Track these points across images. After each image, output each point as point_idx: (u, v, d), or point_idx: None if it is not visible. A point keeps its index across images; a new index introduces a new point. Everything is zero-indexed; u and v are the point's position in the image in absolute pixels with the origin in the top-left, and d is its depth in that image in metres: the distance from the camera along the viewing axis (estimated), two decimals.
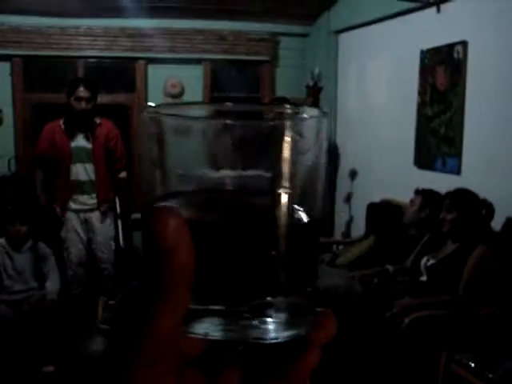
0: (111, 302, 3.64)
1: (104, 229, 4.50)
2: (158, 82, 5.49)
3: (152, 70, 5.47)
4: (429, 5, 3.84)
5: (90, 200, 4.43)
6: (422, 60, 4.00)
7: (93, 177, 4.38)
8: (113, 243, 4.55)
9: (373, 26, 4.67)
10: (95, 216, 4.48)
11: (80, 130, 4.31)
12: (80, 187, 4.37)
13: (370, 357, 3.00)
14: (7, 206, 4.69)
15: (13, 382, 3.57)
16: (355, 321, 3.13)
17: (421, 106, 4.06)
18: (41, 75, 5.39)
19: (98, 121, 4.36)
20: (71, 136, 4.30)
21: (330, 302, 2.29)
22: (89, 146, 4.35)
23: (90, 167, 4.37)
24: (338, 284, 3.46)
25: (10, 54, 5.10)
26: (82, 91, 4.17)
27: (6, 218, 4.44)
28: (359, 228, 4.76)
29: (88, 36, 5.20)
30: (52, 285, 4.28)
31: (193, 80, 5.57)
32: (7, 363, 3.78)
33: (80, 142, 4.33)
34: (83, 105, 4.18)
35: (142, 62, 5.42)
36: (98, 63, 5.40)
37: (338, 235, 5.33)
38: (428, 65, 3.93)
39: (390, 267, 3.42)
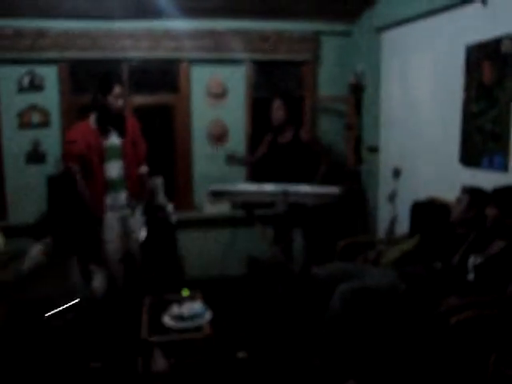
0: (156, 300, 3.69)
1: (136, 223, 4.58)
2: (201, 82, 5.54)
3: (195, 70, 5.51)
4: None
5: (123, 197, 4.48)
6: (467, 55, 3.92)
7: (123, 173, 4.43)
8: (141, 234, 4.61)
9: (416, 23, 4.61)
10: (129, 212, 4.55)
11: (113, 128, 4.38)
12: (113, 185, 4.43)
13: (416, 357, 2.95)
14: (56, 206, 4.80)
15: (62, 377, 3.64)
16: (401, 320, 3.10)
17: (466, 103, 3.98)
18: (86, 78, 5.48)
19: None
20: (106, 135, 4.36)
21: (374, 301, 2.28)
22: (119, 142, 4.40)
23: (120, 164, 4.42)
24: (382, 283, 3.42)
25: (57, 57, 5.21)
26: (119, 88, 4.29)
27: (54, 217, 4.55)
28: (403, 227, 4.70)
29: (132, 38, 5.27)
30: (98, 283, 4.36)
31: (235, 80, 5.59)
32: (56, 360, 3.86)
33: (113, 139, 4.40)
34: (121, 102, 4.30)
35: (185, 62, 5.47)
36: (142, 65, 5.46)
37: (381, 234, 5.28)
38: (474, 60, 3.85)
39: (436, 264, 3.36)
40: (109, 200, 4.44)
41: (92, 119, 4.38)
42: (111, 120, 4.36)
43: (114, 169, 4.41)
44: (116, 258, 4.54)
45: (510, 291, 2.93)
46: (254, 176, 5.65)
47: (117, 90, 4.28)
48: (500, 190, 3.17)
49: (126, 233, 4.58)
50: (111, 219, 4.48)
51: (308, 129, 5.31)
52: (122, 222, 4.54)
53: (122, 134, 4.41)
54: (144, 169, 4.61)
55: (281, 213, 4.89)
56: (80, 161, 4.30)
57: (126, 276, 4.62)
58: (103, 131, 4.35)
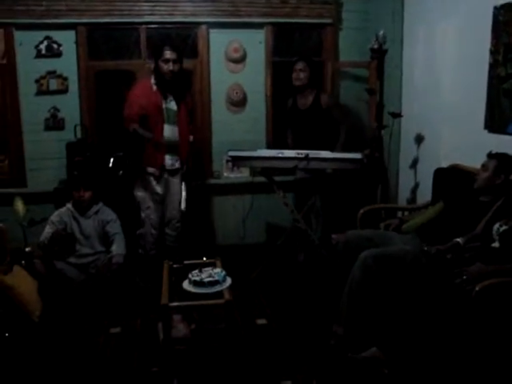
0: (175, 266, 3.68)
1: (179, 189, 4.62)
2: (220, 46, 5.46)
3: (214, 34, 5.43)
4: None
5: (173, 161, 4.62)
6: (495, 17, 3.79)
7: (177, 138, 4.56)
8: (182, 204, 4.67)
9: None
10: (174, 177, 4.67)
11: (171, 92, 4.51)
12: (170, 147, 4.55)
13: (439, 325, 2.92)
14: (74, 172, 4.80)
15: (82, 341, 3.67)
16: (424, 287, 3.05)
17: (493, 67, 3.86)
18: (103, 43, 5.44)
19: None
20: (165, 97, 4.50)
21: (396, 268, 2.21)
22: (175, 107, 4.54)
23: (175, 129, 4.55)
24: (406, 250, 3.37)
25: (75, 22, 5.15)
26: (168, 53, 4.42)
27: (71, 183, 4.55)
28: (425, 194, 4.63)
29: (149, 2, 5.20)
30: (118, 249, 4.37)
31: (255, 44, 5.50)
32: (77, 323, 3.90)
33: (170, 103, 4.53)
34: (171, 66, 4.41)
35: (203, 26, 5.39)
36: (159, 29, 5.39)
37: (402, 201, 5.21)
38: (502, 21, 3.72)
39: (459, 240, 3.27)
40: (167, 161, 4.58)
41: (152, 80, 4.50)
42: (167, 84, 4.47)
43: (171, 131, 4.54)
44: (154, 223, 4.65)
45: None
46: (275, 142, 5.60)
47: (166, 54, 4.41)
48: None
49: (165, 198, 4.69)
50: (154, 182, 4.60)
51: (329, 93, 5.21)
52: (165, 186, 4.65)
53: (178, 99, 4.54)
54: (191, 137, 4.75)
55: (302, 179, 4.87)
56: (140, 119, 4.43)
57: (159, 241, 4.73)
58: (163, 93, 4.48)
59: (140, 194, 4.61)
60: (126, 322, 3.95)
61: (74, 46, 5.23)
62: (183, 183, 4.58)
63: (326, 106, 4.92)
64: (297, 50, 5.69)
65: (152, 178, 4.57)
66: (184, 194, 4.59)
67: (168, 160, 4.58)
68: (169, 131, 4.52)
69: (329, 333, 3.50)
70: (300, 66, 4.87)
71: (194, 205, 5.33)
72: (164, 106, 4.48)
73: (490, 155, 3.46)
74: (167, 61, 4.39)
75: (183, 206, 4.58)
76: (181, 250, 4.69)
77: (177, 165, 4.64)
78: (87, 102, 5.31)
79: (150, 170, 4.54)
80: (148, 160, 4.52)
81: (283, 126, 5.20)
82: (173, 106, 4.52)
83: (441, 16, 4.55)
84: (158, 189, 4.61)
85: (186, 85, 4.69)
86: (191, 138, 4.73)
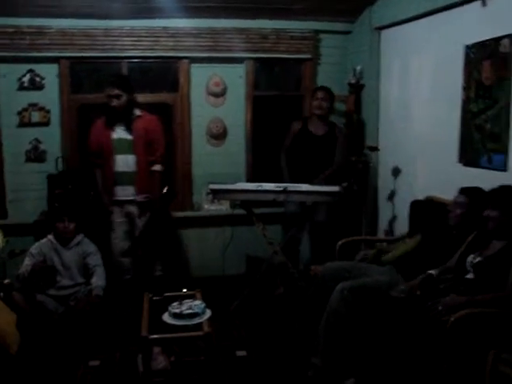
0: (156, 298, 3.69)
1: (143, 222, 4.70)
2: (201, 80, 5.54)
3: (195, 69, 5.52)
4: None
5: (128, 191, 4.65)
6: (466, 55, 3.93)
7: (133, 168, 4.62)
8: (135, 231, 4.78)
9: (416, 22, 4.62)
10: (135, 209, 4.70)
11: (120, 123, 4.63)
12: (120, 178, 4.63)
13: (415, 355, 2.96)
14: (55, 204, 4.82)
15: (60, 375, 3.65)
16: (398, 318, 3.10)
17: (465, 102, 3.98)
18: (86, 76, 5.50)
19: (137, 113, 4.69)
20: (111, 128, 4.62)
21: (372, 299, 2.27)
22: (129, 137, 4.62)
23: (131, 158, 4.62)
24: (381, 281, 3.42)
25: (57, 55, 5.21)
26: (110, 90, 4.57)
27: (54, 215, 4.55)
28: (402, 226, 4.71)
29: (131, 37, 5.28)
30: (98, 281, 4.37)
31: (235, 79, 5.60)
32: (55, 356, 3.87)
33: (121, 133, 4.63)
34: (114, 102, 4.56)
35: (184, 61, 5.47)
36: (141, 63, 5.47)
37: (380, 233, 5.29)
38: (473, 59, 3.86)
39: (433, 272, 3.33)
40: (116, 192, 4.65)
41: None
42: (118, 116, 4.60)
43: (122, 162, 4.61)
44: (118, 252, 4.73)
45: (509, 290, 2.92)
46: (254, 175, 5.65)
47: (107, 91, 4.57)
48: (498, 191, 3.14)
49: (133, 231, 4.74)
50: (116, 213, 4.69)
51: (345, 129, 5.30)
52: (128, 218, 4.71)
53: (129, 129, 4.62)
54: (157, 167, 4.75)
55: (292, 212, 4.93)
56: (95, 156, 4.71)
57: (134, 269, 4.79)
58: (108, 125, 4.62)
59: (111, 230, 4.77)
60: (105, 355, 3.94)
61: (57, 79, 5.28)
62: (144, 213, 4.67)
63: (339, 138, 5.04)
64: (277, 84, 5.80)
65: (115, 208, 4.69)
66: (142, 223, 4.64)
67: (120, 191, 4.66)
68: (122, 162, 4.61)
69: (307, 364, 3.52)
70: (321, 94, 5.00)
71: (175, 236, 5.36)
72: (114, 136, 4.62)
73: (462, 191, 3.50)
74: (110, 97, 4.56)
75: (136, 233, 4.69)
76: (162, 280, 4.74)
77: (131, 196, 4.67)
78: (69, 134, 5.35)
79: (105, 201, 4.70)
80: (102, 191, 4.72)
81: (278, 148, 5.25)
82: (125, 135, 4.62)
83: (415, 52, 4.70)
84: (119, 218, 4.71)
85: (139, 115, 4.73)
86: (158, 167, 4.74)
